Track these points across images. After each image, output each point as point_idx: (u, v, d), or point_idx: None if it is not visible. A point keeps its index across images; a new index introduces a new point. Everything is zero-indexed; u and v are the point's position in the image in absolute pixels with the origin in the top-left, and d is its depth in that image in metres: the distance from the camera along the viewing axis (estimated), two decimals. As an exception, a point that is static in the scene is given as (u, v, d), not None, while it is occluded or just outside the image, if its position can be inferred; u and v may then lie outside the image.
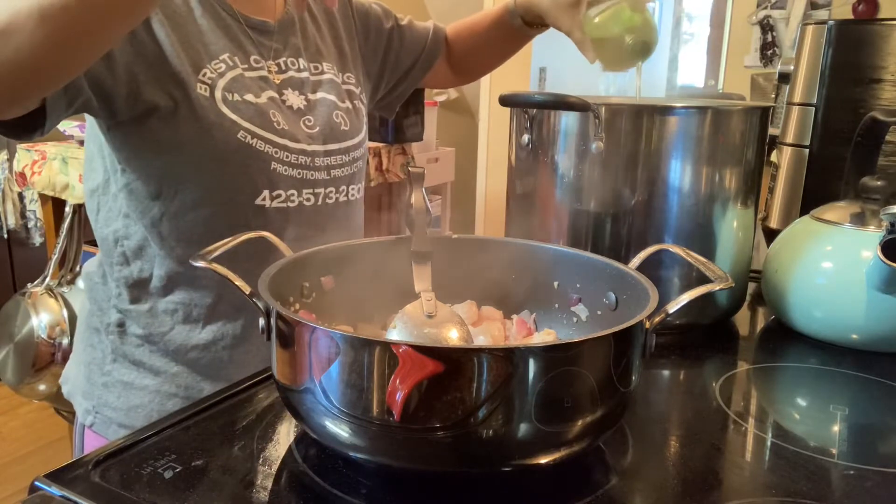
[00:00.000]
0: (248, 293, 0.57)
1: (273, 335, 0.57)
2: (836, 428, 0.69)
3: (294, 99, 0.91)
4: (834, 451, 0.63)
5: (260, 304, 0.57)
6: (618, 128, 0.82)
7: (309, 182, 0.90)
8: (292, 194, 0.88)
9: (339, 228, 0.95)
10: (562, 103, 0.82)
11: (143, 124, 0.81)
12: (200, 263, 0.59)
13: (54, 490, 0.53)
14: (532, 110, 0.88)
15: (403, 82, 1.14)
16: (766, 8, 3.98)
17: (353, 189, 0.97)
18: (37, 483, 0.54)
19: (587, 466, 0.59)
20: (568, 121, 0.85)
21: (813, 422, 0.72)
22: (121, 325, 0.90)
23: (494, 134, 3.51)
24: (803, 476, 0.59)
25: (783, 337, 0.91)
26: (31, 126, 0.73)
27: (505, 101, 0.88)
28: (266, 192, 0.86)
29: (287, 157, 0.87)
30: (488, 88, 3.48)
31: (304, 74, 0.93)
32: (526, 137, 0.88)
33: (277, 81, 0.90)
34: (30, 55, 0.60)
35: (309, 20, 0.98)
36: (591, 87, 4.64)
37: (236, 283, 0.58)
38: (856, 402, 0.76)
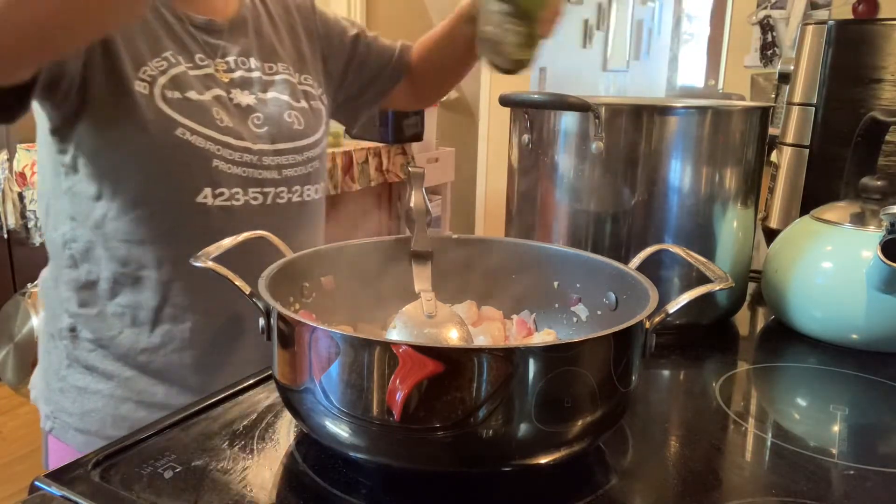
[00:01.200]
0: (248, 293, 0.57)
1: (273, 335, 0.57)
2: (836, 428, 0.69)
3: (242, 98, 0.90)
4: (834, 451, 0.63)
5: (260, 304, 0.56)
6: (618, 128, 0.82)
7: (255, 181, 0.89)
8: (237, 193, 0.87)
9: (295, 229, 0.94)
10: (562, 103, 0.82)
11: (84, 121, 0.81)
12: (200, 263, 0.59)
13: (54, 490, 0.53)
14: (532, 110, 0.88)
15: (369, 90, 1.11)
16: (766, 8, 3.98)
17: (308, 189, 0.96)
18: (37, 483, 0.54)
19: (587, 466, 0.59)
20: (568, 121, 0.85)
21: (813, 422, 0.72)
22: (72, 329, 0.90)
23: (494, 134, 3.51)
24: (803, 476, 0.59)
25: (783, 337, 0.91)
26: (10, 107, 0.74)
27: (505, 101, 0.88)
28: (208, 191, 0.85)
29: (230, 154, 0.86)
30: (488, 88, 3.48)
31: (256, 74, 0.93)
32: (526, 137, 0.88)
33: (225, 80, 0.89)
34: (47, 16, 0.62)
35: (266, 21, 0.98)
36: (591, 87, 4.65)
37: (236, 283, 0.58)
38: (856, 402, 0.76)
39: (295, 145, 0.93)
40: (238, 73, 0.91)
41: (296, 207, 0.94)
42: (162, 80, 0.83)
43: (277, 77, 0.95)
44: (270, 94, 0.93)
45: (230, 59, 0.91)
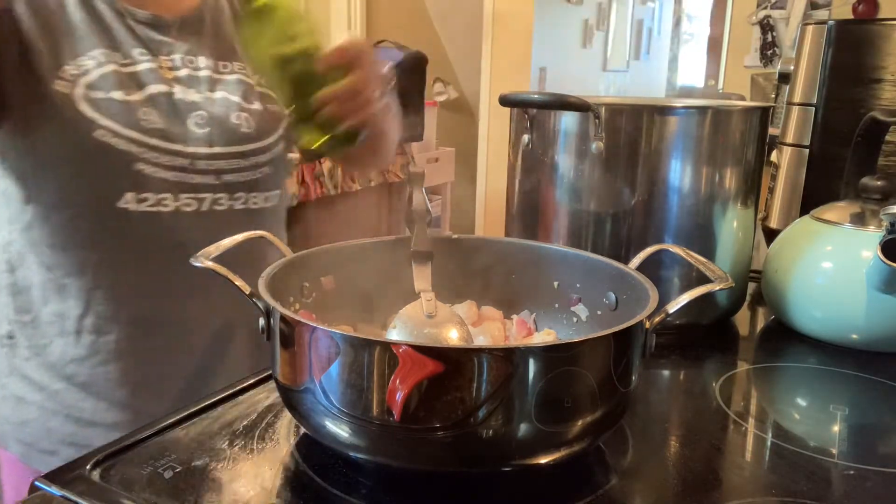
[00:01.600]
0: (248, 293, 0.57)
1: (273, 335, 0.57)
2: (836, 428, 0.69)
3: (186, 95, 0.85)
4: (834, 451, 0.63)
5: (260, 304, 0.56)
6: (618, 128, 0.82)
7: (188, 185, 0.83)
8: (165, 198, 0.82)
9: (231, 236, 0.89)
10: (562, 103, 0.82)
11: (4, 123, 0.78)
12: (199, 263, 0.59)
13: (54, 490, 0.53)
14: (532, 110, 0.88)
15: None
16: (766, 8, 3.98)
17: (255, 197, 0.89)
18: (37, 483, 0.54)
19: (587, 466, 0.59)
20: (568, 121, 0.85)
21: (813, 422, 0.72)
22: (11, 336, 0.87)
23: (494, 134, 3.50)
24: (803, 476, 0.59)
25: (783, 337, 0.91)
26: None
27: (505, 101, 0.88)
28: (130, 195, 0.80)
29: (156, 157, 0.81)
30: (488, 88, 3.48)
31: (204, 73, 0.87)
32: (526, 137, 0.88)
33: (169, 77, 0.84)
34: None
35: (229, 18, 0.93)
36: (591, 87, 4.65)
37: (236, 283, 0.58)
38: (856, 402, 0.76)
39: (238, 149, 0.87)
40: (184, 72, 0.86)
41: (240, 216, 0.88)
42: (85, 79, 0.78)
43: (230, 77, 0.90)
44: (219, 94, 0.88)
45: (176, 56, 0.86)
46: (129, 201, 0.80)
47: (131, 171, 0.80)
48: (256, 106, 0.90)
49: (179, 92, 0.84)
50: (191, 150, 0.83)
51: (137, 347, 0.85)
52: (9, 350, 0.87)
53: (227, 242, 0.65)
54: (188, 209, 0.83)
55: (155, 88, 0.83)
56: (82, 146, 0.78)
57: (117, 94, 0.80)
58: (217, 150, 0.85)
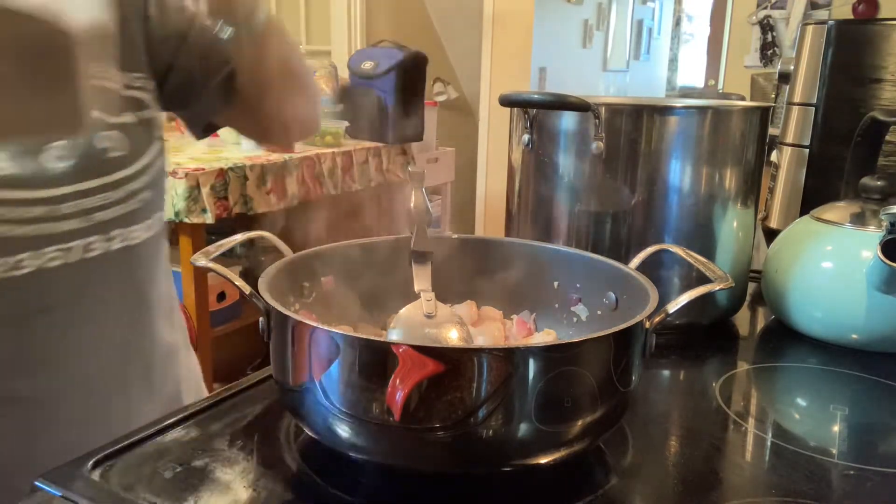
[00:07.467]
0: (248, 293, 0.57)
1: (273, 335, 0.57)
2: (836, 428, 0.69)
3: None
4: (834, 451, 0.63)
5: (260, 304, 0.56)
6: (618, 128, 0.82)
7: (53, 238, 0.65)
8: (22, 259, 0.63)
9: (119, 280, 0.72)
10: (562, 103, 0.82)
11: None
12: (200, 263, 0.59)
13: (54, 490, 0.53)
14: (532, 110, 0.88)
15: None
16: (766, 8, 3.98)
17: (135, 231, 0.72)
18: (37, 483, 0.54)
19: (587, 466, 0.59)
20: (568, 121, 0.85)
21: (813, 422, 0.72)
22: None
23: (494, 134, 3.51)
24: (803, 476, 0.59)
25: (783, 337, 0.91)
26: None
27: (505, 101, 0.87)
28: None
29: (9, 212, 0.62)
30: (488, 88, 3.48)
31: None
32: (526, 137, 0.88)
33: None
34: None
35: None
36: (591, 87, 4.64)
37: (236, 283, 0.58)
38: (856, 402, 0.76)
39: (108, 180, 0.68)
40: None
41: (118, 255, 0.71)
42: None
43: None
44: None
45: None
46: None
47: None
48: (128, 118, 0.70)
49: None
50: (55, 193, 0.65)
51: None
52: None
53: (227, 242, 0.65)
54: (52, 265, 0.66)
55: None
56: None
57: None
58: (84, 185, 0.66)
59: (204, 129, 0.86)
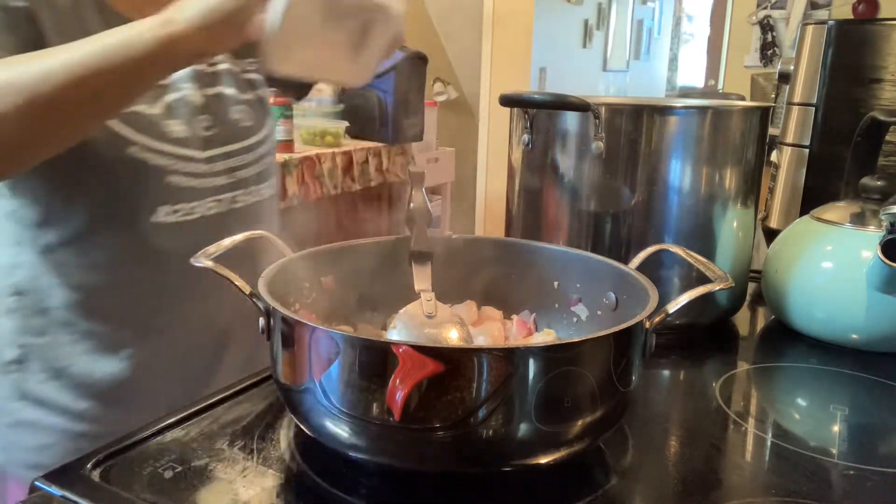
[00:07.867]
0: (248, 293, 0.57)
1: (273, 335, 0.57)
2: (836, 428, 0.69)
3: (191, 97, 0.82)
4: (834, 451, 0.63)
5: (260, 304, 0.56)
6: (618, 128, 0.82)
7: (210, 190, 0.83)
8: (194, 206, 0.81)
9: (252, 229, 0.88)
10: (562, 103, 0.82)
11: None
12: (202, 263, 0.59)
13: (54, 490, 0.53)
14: (532, 110, 0.88)
15: None
16: (766, 8, 3.98)
17: (262, 188, 0.91)
18: (37, 483, 0.54)
19: (587, 466, 0.59)
20: (568, 121, 0.85)
21: (813, 422, 0.72)
22: (21, 361, 0.83)
23: (494, 134, 3.51)
24: (803, 476, 0.59)
25: (783, 337, 0.91)
26: None
27: (505, 101, 0.88)
28: (164, 208, 0.79)
29: (185, 167, 0.80)
30: (488, 88, 3.48)
31: (201, 69, 0.84)
32: (526, 137, 0.88)
33: (178, 81, 0.82)
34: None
35: None
36: (591, 87, 4.65)
37: (236, 283, 0.58)
38: (856, 402, 0.76)
39: (245, 144, 0.87)
40: (186, 73, 0.83)
41: (252, 209, 0.89)
42: None
43: (220, 67, 0.86)
44: (216, 90, 0.85)
45: None
46: (162, 215, 0.80)
47: (165, 185, 0.79)
48: (249, 95, 0.89)
49: (187, 91, 0.83)
50: (208, 153, 0.83)
51: (162, 361, 0.84)
52: (18, 375, 0.83)
53: (228, 242, 0.65)
54: (210, 213, 0.83)
55: (170, 97, 0.81)
56: (116, 165, 0.76)
57: (140, 108, 0.77)
58: (230, 147, 0.85)
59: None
